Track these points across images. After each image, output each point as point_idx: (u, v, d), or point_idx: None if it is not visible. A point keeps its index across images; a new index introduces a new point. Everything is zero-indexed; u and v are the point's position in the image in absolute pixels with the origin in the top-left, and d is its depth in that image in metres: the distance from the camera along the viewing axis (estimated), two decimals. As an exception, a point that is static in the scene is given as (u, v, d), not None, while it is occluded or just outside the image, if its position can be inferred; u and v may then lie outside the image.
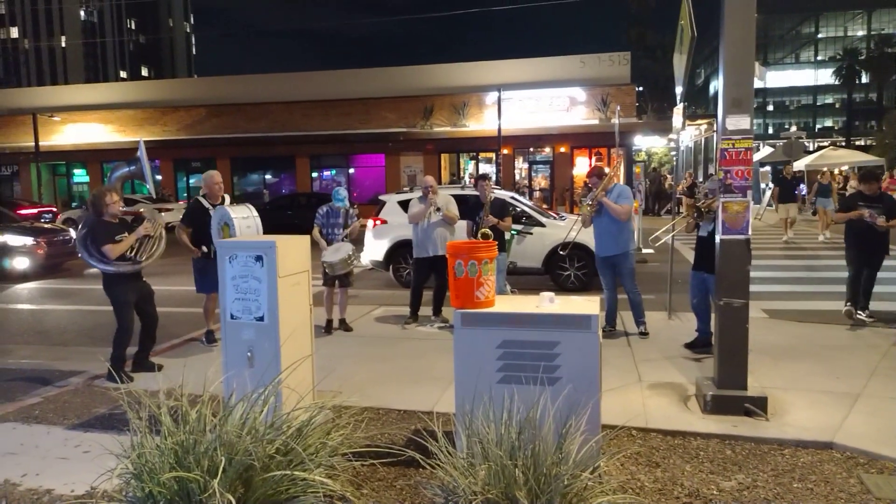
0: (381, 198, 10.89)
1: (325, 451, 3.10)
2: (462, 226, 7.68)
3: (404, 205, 9.96)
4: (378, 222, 10.27)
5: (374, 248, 10.28)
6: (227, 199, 6.68)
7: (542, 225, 9.84)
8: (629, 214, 6.70)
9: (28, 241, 12.17)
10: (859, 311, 7.13)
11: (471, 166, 26.97)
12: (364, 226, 8.67)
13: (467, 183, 24.11)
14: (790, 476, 3.61)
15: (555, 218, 10.52)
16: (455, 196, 7.91)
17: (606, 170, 6.92)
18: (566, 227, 9.18)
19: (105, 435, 4.21)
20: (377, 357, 6.13)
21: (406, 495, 3.44)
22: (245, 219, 5.62)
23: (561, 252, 8.92)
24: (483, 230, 6.87)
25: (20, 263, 12.00)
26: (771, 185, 24.60)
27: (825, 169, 21.51)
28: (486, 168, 26.22)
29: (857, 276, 7.22)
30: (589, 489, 2.75)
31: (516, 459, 2.74)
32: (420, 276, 7.57)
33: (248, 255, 4.05)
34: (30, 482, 3.69)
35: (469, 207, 7.53)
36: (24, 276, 12.02)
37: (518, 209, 10.09)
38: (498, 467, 2.72)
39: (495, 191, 10.17)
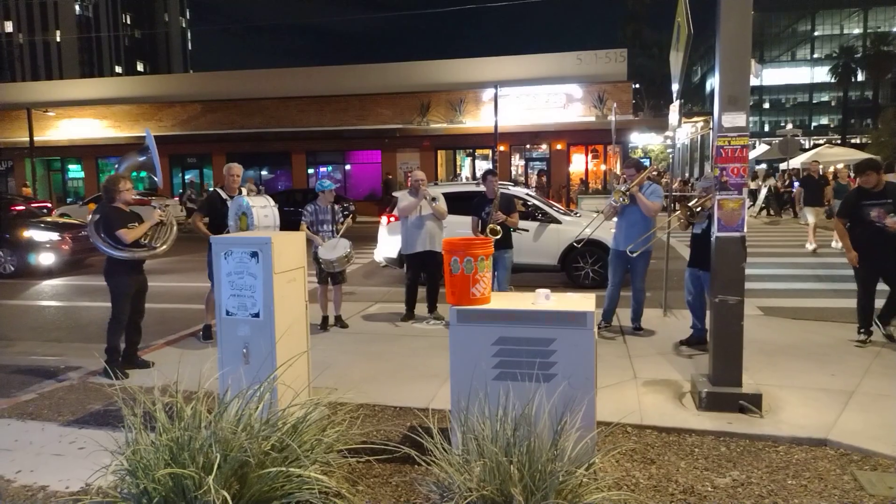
0: (396, 194, 10.87)
1: (321, 448, 3.10)
2: (467, 221, 7.66)
3: None
4: (392, 219, 10.08)
5: (388, 246, 10.09)
6: (244, 191, 6.67)
7: (559, 222, 9.81)
8: (658, 212, 6.74)
9: (53, 236, 12.00)
10: (888, 328, 6.05)
11: (467, 163, 26.98)
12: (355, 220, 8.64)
13: (463, 180, 24.15)
14: (784, 473, 3.62)
15: (570, 214, 10.52)
16: (465, 192, 7.86)
17: (645, 162, 6.92)
18: (583, 224, 9.19)
19: (100, 431, 4.20)
20: (373, 354, 6.13)
21: (402, 492, 3.44)
22: (263, 208, 5.62)
23: (575, 245, 8.88)
24: (492, 226, 6.90)
25: (45, 259, 11.84)
26: (762, 181, 24.55)
27: (835, 166, 20.14)
28: (483, 165, 26.22)
29: (869, 296, 6.02)
30: (584, 486, 2.75)
31: (511, 456, 2.75)
32: (412, 272, 7.56)
33: (244, 251, 4.03)
34: (24, 479, 3.68)
35: (474, 204, 7.41)
36: (48, 272, 11.87)
37: (531, 205, 10.07)
38: (493, 464, 2.72)
39: (510, 188, 10.20)
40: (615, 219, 6.92)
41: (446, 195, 7.87)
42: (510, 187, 10.63)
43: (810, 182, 13.96)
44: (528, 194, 10.52)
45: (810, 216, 13.59)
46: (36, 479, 3.66)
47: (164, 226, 5.87)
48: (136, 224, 5.65)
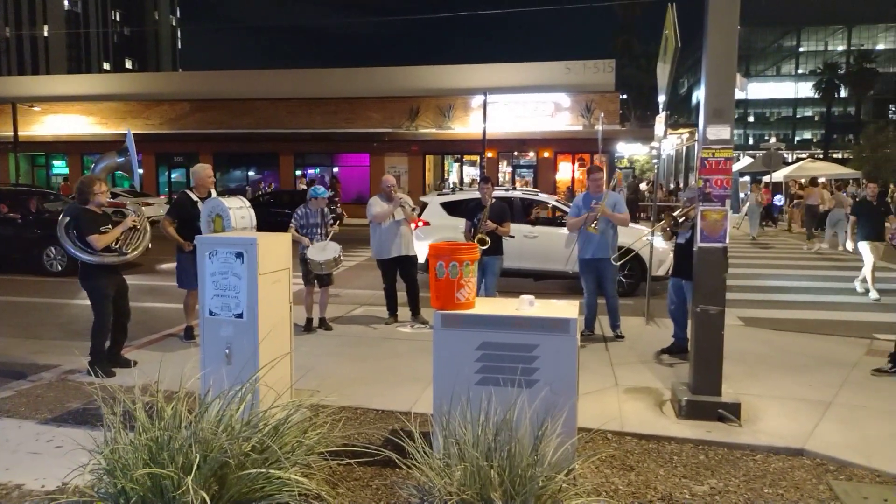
0: (423, 199, 10.89)
1: (302, 450, 3.10)
2: (461, 224, 7.68)
3: (447, 206, 10.12)
4: (421, 224, 10.10)
5: (417, 251, 10.23)
6: (213, 192, 6.62)
7: None
8: (629, 220, 6.96)
9: None
10: None
11: (455, 168, 27.04)
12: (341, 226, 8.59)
13: (450, 187, 24.16)
14: (761, 482, 3.67)
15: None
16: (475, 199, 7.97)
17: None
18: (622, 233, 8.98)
19: (78, 430, 4.16)
20: (356, 356, 6.12)
21: (382, 495, 3.44)
22: (239, 209, 5.58)
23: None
24: (480, 236, 6.93)
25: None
26: (749, 193, 24.70)
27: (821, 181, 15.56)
28: (470, 171, 26.30)
29: None
30: (563, 491, 2.77)
31: (492, 461, 2.76)
32: (388, 277, 7.56)
33: (229, 251, 4.02)
34: (-1, 477, 3.63)
35: (469, 208, 7.43)
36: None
37: (560, 211, 10.19)
38: (474, 468, 2.74)
39: (539, 195, 10.36)
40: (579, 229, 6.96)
41: (464, 202, 7.91)
42: (539, 194, 10.80)
43: (867, 208, 9.73)
44: (557, 201, 10.58)
45: (869, 253, 9.40)
46: (11, 478, 3.61)
47: (137, 231, 5.79)
48: (109, 227, 5.54)
